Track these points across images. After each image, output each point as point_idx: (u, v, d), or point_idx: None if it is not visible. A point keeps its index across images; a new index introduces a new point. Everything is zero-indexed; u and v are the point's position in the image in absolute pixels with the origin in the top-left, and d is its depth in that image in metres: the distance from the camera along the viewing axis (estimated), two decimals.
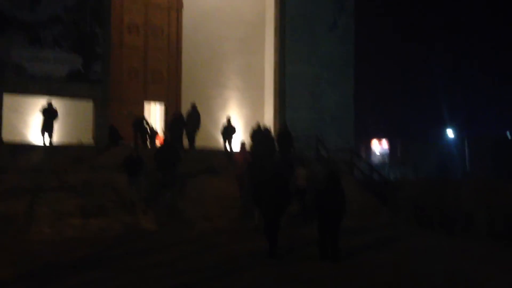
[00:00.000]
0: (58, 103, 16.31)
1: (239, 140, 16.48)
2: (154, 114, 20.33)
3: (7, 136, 15.26)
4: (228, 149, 17.15)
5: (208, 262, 9.29)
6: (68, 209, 12.29)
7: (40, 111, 15.50)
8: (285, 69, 19.66)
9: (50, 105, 15.57)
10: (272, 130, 18.07)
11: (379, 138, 39.26)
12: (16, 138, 15.79)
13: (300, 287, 7.82)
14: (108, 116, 16.82)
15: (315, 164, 16.98)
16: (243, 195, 14.00)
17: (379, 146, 39.32)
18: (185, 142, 17.27)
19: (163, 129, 18.91)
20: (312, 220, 10.24)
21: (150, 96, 19.95)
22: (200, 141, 17.78)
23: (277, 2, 19.97)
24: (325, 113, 20.11)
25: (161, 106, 20.29)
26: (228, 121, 17.76)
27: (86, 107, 16.64)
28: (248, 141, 15.88)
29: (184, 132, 17.19)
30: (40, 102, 15.79)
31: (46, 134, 15.39)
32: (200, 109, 18.05)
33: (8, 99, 15.41)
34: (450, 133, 35.34)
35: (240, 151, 15.13)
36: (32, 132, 16.36)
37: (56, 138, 16.15)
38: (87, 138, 16.36)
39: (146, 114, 19.24)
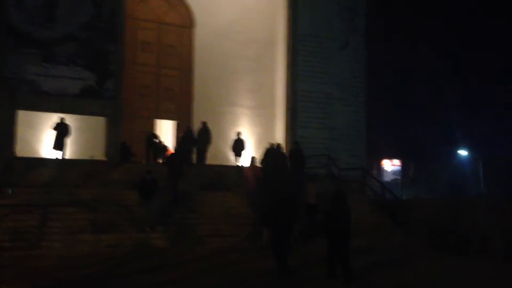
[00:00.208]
0: (71, 120, 16.46)
1: (249, 156, 16.45)
2: (166, 131, 20.42)
3: (20, 152, 15.38)
4: (238, 164, 17.25)
5: (218, 281, 9.17)
6: (80, 225, 12.29)
7: (52, 127, 15.62)
8: (297, 88, 19.70)
9: (62, 121, 15.69)
10: (284, 148, 17.99)
11: (391, 157, 38.94)
12: (29, 154, 15.90)
13: None
14: (120, 132, 16.91)
15: (327, 182, 16.84)
16: (254, 211, 13.91)
17: (391, 166, 38.99)
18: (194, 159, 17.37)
19: (174, 145, 18.98)
20: (322, 237, 10.11)
21: (162, 113, 20.08)
22: (211, 158, 17.80)
23: (289, 21, 20.10)
24: (337, 132, 20.05)
25: (172, 123, 20.38)
26: (238, 136, 17.88)
27: (98, 124, 16.76)
28: (259, 158, 15.85)
29: (194, 149, 17.31)
30: (54, 118, 15.94)
31: (58, 150, 15.48)
32: (211, 126, 18.14)
33: (22, 115, 15.58)
34: (463, 153, 34.98)
35: (250, 166, 15.09)
36: (45, 147, 16.48)
37: (69, 154, 16.25)
38: (99, 154, 16.42)
39: (157, 131, 19.35)
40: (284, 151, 17.41)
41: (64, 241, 11.68)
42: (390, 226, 15.43)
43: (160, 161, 17.41)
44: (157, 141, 18.00)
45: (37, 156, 16.12)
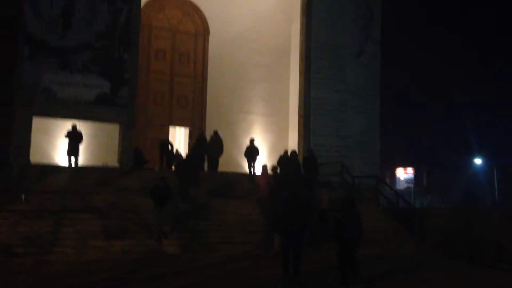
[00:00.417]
0: (85, 126, 16.62)
1: (262, 163, 16.44)
2: (179, 138, 20.52)
3: (35, 158, 15.56)
4: (252, 171, 17.27)
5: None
6: (92, 231, 12.35)
7: (65, 134, 15.80)
8: (310, 95, 19.67)
9: (74, 128, 15.87)
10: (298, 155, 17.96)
11: (405, 165, 38.64)
12: (44, 160, 16.09)
13: None
14: (133, 139, 17.04)
15: (340, 190, 16.74)
16: (265, 218, 13.88)
17: (404, 174, 38.70)
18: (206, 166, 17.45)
19: (187, 152, 19.05)
20: (332, 243, 10.09)
21: (175, 121, 20.20)
22: (224, 165, 17.82)
23: (303, 29, 20.12)
24: (350, 140, 19.95)
25: (186, 130, 20.48)
26: (252, 142, 17.92)
27: (112, 131, 16.90)
28: (270, 165, 15.84)
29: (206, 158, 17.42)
30: (68, 125, 16.13)
31: (72, 156, 15.65)
32: (224, 134, 18.19)
33: (37, 121, 15.77)
34: (478, 161, 34.55)
35: (262, 174, 15.08)
36: (59, 154, 16.65)
37: (82, 160, 16.40)
38: (112, 161, 16.56)
39: (171, 138, 19.45)
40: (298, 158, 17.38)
41: (76, 247, 11.75)
42: (403, 234, 15.26)
43: (173, 168, 17.48)
44: (171, 147, 18.11)
45: (51, 162, 16.29)
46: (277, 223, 10.44)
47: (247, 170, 18.09)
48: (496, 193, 31.21)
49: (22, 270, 10.07)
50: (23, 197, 13.11)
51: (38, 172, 14.62)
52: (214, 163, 17.76)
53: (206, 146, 17.56)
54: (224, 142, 18.02)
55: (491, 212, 16.15)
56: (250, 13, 20.72)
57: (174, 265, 11.22)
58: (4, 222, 12.04)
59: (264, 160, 18.67)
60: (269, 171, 15.48)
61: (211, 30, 20.58)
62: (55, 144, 16.78)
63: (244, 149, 18.61)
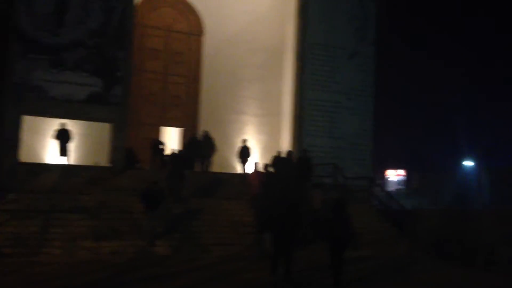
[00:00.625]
0: (76, 125, 16.47)
1: (254, 162, 16.38)
2: (172, 138, 20.41)
3: (25, 157, 15.38)
4: (244, 170, 17.27)
5: None
6: (81, 231, 12.21)
7: (54, 134, 15.62)
8: (304, 96, 19.61)
9: (63, 127, 15.70)
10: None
11: (396, 167, 38.84)
12: (34, 159, 15.91)
13: None
14: (126, 139, 16.90)
15: (332, 191, 16.72)
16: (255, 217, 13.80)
17: (395, 175, 38.90)
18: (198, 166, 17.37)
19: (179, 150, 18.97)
20: (322, 243, 10.18)
21: (168, 120, 20.08)
22: (217, 166, 17.75)
23: (298, 30, 20.07)
24: (344, 141, 19.93)
25: (179, 131, 20.38)
26: (244, 143, 17.90)
27: (104, 130, 16.75)
28: (263, 164, 15.80)
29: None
30: (59, 124, 15.96)
31: (61, 156, 15.49)
32: (217, 134, 18.11)
33: (28, 120, 15.59)
34: (468, 163, 34.77)
35: (254, 172, 15.03)
36: (50, 153, 16.49)
37: (73, 159, 16.24)
38: (104, 160, 16.41)
39: (163, 138, 19.34)
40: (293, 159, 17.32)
41: (65, 247, 11.59)
42: (395, 235, 15.27)
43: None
44: (163, 147, 18.01)
45: (41, 161, 16.12)
46: (266, 223, 10.48)
47: (239, 170, 18.05)
48: (486, 195, 31.41)
49: (9, 270, 9.92)
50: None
51: (27, 171, 14.44)
52: (206, 163, 17.70)
53: (198, 147, 17.50)
54: (216, 142, 17.95)
55: (482, 213, 16.20)
56: (245, 13, 20.65)
57: (165, 266, 11.11)
58: None
59: (257, 160, 18.62)
60: (262, 169, 15.43)
61: (205, 29, 20.49)
62: (45, 143, 16.63)
63: (237, 149, 18.58)
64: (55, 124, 16.11)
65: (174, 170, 14.73)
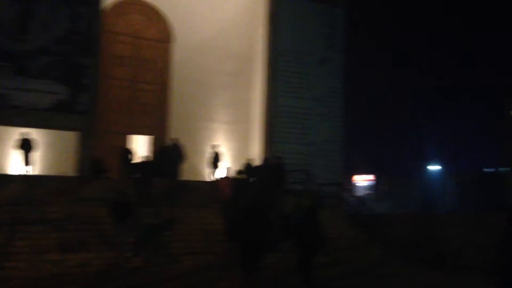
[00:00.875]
0: (42, 134, 16.02)
1: (225, 167, 16.30)
2: (141, 147, 20.09)
3: None
4: (214, 176, 17.18)
5: None
6: (47, 244, 11.80)
7: (16, 144, 15.14)
8: (275, 103, 19.67)
9: (25, 137, 15.26)
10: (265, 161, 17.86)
11: (364, 173, 39.34)
12: None
13: None
14: (93, 147, 16.54)
15: (304, 197, 16.78)
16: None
17: (363, 181, 39.39)
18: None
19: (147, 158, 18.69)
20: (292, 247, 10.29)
21: (137, 128, 19.79)
22: (187, 174, 17.55)
23: (268, 36, 20.14)
24: (314, 147, 20.06)
25: (148, 139, 20.10)
26: (214, 148, 17.86)
27: (70, 138, 16.36)
28: (234, 170, 15.78)
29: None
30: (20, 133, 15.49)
31: (25, 166, 15.03)
32: (187, 142, 17.93)
33: None
34: (433, 168, 35.60)
35: (225, 178, 14.97)
36: (13, 163, 15.96)
37: (39, 169, 15.78)
38: (70, 170, 16.00)
39: (133, 146, 19.02)
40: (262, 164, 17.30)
41: (30, 261, 11.18)
42: (366, 240, 15.41)
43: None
44: (131, 156, 17.65)
45: (3, 172, 15.58)
46: (233, 230, 10.49)
47: (209, 177, 17.92)
48: (451, 199, 32.18)
49: None
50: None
51: None
52: (176, 172, 17.49)
53: (168, 155, 17.28)
54: (187, 150, 17.75)
55: (449, 218, 16.55)
56: (215, 20, 20.60)
57: (135, 278, 10.86)
58: None
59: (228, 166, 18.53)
60: (233, 175, 15.40)
61: (175, 36, 20.33)
62: (8, 153, 16.09)
63: (207, 155, 18.45)
64: (19, 133, 15.61)
65: (141, 177, 14.54)
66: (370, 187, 39.54)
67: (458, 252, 13.61)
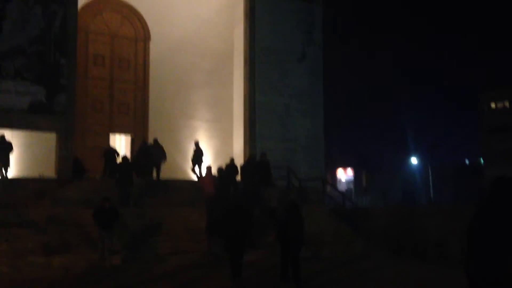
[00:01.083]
0: (18, 136, 15.67)
1: (207, 164, 16.20)
2: (121, 146, 19.85)
3: None
4: (198, 173, 17.09)
5: None
6: (29, 247, 11.56)
7: None
8: (255, 100, 19.64)
9: (2, 138, 14.91)
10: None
11: (344, 167, 39.71)
12: None
13: None
14: (72, 148, 16.24)
15: (288, 193, 16.82)
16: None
17: (344, 175, 39.76)
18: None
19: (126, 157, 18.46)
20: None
21: (116, 128, 19.53)
22: (169, 173, 17.39)
23: (246, 33, 20.08)
24: (296, 143, 20.12)
25: (127, 138, 19.85)
26: (197, 145, 17.76)
27: (48, 139, 16.03)
28: (217, 167, 15.73)
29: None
30: None
31: (2, 168, 14.67)
32: (167, 140, 17.78)
33: None
34: (414, 161, 36.12)
35: (207, 175, 14.91)
36: None
37: (16, 172, 15.44)
38: (49, 171, 15.69)
39: (113, 146, 18.75)
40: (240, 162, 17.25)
41: (12, 265, 10.92)
42: (350, 234, 15.53)
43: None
44: (117, 156, 17.27)
45: None
46: (213, 227, 10.99)
47: (193, 174, 17.79)
48: (431, 191, 32.72)
49: None
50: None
51: None
52: (157, 171, 17.31)
53: (149, 154, 17.09)
54: (168, 149, 17.58)
55: (430, 209, 16.79)
56: (192, 17, 20.43)
57: (120, 279, 10.72)
58: None
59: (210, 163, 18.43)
60: (215, 172, 15.37)
61: (151, 34, 20.10)
62: None
63: (189, 155, 18.30)
64: None
65: (121, 176, 14.52)
66: (351, 182, 39.92)
67: (439, 243, 13.81)
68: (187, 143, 19.61)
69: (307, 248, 12.78)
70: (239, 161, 17.79)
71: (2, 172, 14.69)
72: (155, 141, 17.31)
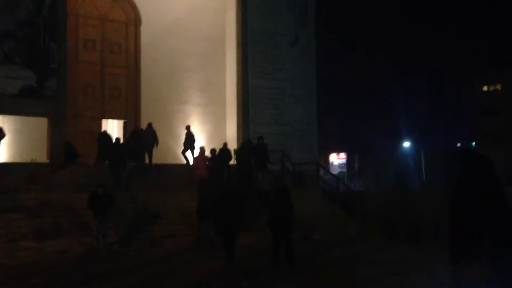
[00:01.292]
0: (9, 121, 15.51)
1: (199, 146, 16.17)
2: (114, 131, 19.70)
3: None
4: (191, 156, 17.09)
5: (179, 284, 8.79)
6: (23, 231, 11.51)
7: None
8: (248, 84, 19.54)
9: None
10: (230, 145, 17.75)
11: (337, 151, 39.72)
12: None
13: None
14: (64, 133, 16.11)
15: (282, 177, 16.84)
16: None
17: (337, 159, 39.71)
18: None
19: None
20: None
21: (108, 113, 19.35)
22: (162, 157, 17.33)
23: (239, 17, 19.88)
24: (289, 127, 20.09)
25: (119, 123, 19.70)
26: (188, 129, 17.70)
27: (40, 125, 15.89)
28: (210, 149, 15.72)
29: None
30: None
31: None
32: (160, 125, 17.68)
33: None
34: (406, 144, 36.27)
35: (199, 155, 14.89)
36: None
37: (7, 157, 15.31)
38: (41, 156, 15.58)
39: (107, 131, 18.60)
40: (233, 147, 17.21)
41: (6, 249, 10.87)
42: (344, 218, 15.61)
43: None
44: (116, 141, 17.18)
45: None
46: (204, 210, 11.22)
47: (185, 159, 17.75)
48: (424, 174, 32.88)
49: None
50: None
51: None
52: (149, 155, 17.26)
53: (141, 139, 17.00)
54: (160, 134, 17.50)
55: (423, 192, 16.87)
56: (183, 0, 20.16)
57: (115, 263, 10.71)
58: None
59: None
60: (208, 154, 15.37)
61: (142, 18, 19.81)
62: None
63: (181, 140, 18.22)
64: None
65: (112, 158, 14.66)
66: (343, 165, 39.87)
67: (432, 225, 13.90)
68: (180, 128, 19.50)
69: (300, 231, 12.93)
70: (232, 146, 17.77)
71: None
72: (149, 125, 17.23)
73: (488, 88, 47.75)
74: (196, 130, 19.15)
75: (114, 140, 16.75)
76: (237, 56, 19.91)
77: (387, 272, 9.34)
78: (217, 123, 20.43)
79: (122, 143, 16.14)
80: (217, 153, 15.49)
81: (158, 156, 17.24)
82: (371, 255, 11.54)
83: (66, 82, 16.40)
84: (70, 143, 16.55)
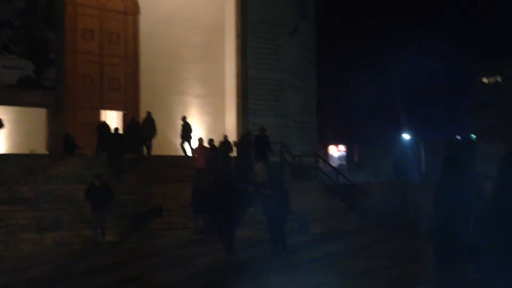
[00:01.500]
0: (7, 112, 15.39)
1: (198, 137, 16.12)
2: (113, 122, 19.58)
3: None
4: (188, 148, 17.05)
5: (179, 276, 8.76)
6: (22, 223, 11.48)
7: None
8: (247, 75, 19.39)
9: None
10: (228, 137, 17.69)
11: (337, 143, 39.66)
12: None
13: None
14: (62, 124, 16.00)
15: (282, 169, 16.81)
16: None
17: (336, 151, 39.69)
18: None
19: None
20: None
21: (107, 104, 19.23)
22: (160, 149, 17.26)
23: (238, 8, 19.69)
24: (289, 119, 19.98)
25: (118, 114, 19.59)
26: (184, 120, 17.61)
27: (38, 115, 15.78)
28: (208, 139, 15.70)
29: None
30: None
31: None
32: (159, 116, 17.57)
33: None
34: (406, 137, 36.19)
35: (199, 146, 14.81)
36: None
37: (7, 148, 15.22)
38: (40, 147, 15.48)
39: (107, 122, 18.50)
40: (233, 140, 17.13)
41: (5, 241, 10.86)
42: (344, 210, 15.57)
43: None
44: (115, 131, 17.09)
45: None
46: (198, 203, 11.60)
47: (182, 151, 17.69)
48: (423, 167, 32.88)
49: None
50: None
51: None
52: (147, 145, 17.20)
53: (139, 129, 16.96)
54: (159, 125, 17.42)
55: (421, 185, 16.84)
56: None
57: (115, 255, 10.67)
58: None
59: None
60: (207, 144, 15.34)
61: (141, 8, 19.62)
62: None
63: (180, 131, 18.14)
64: None
65: (110, 147, 14.73)
66: (343, 157, 39.86)
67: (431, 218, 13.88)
68: (179, 119, 19.38)
69: (297, 222, 12.93)
70: (231, 137, 17.68)
71: None
72: (148, 113, 17.14)
73: (489, 80, 47.60)
74: (195, 121, 19.07)
75: (113, 131, 16.68)
76: (236, 46, 19.75)
77: (388, 266, 9.31)
78: (216, 114, 20.33)
79: (121, 133, 16.09)
80: (218, 145, 15.47)
81: (158, 148, 17.17)
82: (372, 248, 11.52)
83: (64, 72, 16.25)
84: (69, 135, 16.49)
